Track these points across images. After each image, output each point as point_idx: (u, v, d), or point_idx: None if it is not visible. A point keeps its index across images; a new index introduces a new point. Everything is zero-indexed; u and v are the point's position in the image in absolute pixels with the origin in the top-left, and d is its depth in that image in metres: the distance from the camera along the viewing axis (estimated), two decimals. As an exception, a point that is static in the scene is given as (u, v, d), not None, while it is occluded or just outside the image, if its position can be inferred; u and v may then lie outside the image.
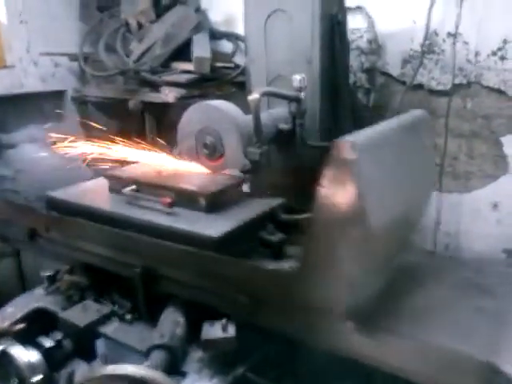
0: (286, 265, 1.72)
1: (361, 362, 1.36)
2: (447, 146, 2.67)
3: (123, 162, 2.21)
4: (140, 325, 1.86)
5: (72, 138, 2.26)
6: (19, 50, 3.61)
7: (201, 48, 3.18)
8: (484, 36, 2.51)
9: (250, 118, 2.01)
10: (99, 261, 1.95)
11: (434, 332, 1.36)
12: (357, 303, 1.37)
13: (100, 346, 1.84)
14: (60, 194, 2.16)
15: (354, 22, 2.78)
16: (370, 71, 2.88)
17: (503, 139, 2.58)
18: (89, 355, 1.85)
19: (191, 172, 2.11)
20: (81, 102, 3.56)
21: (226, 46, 3.40)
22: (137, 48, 3.30)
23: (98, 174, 2.28)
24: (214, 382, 1.56)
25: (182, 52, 3.25)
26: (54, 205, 2.13)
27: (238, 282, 1.57)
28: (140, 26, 3.42)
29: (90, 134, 2.50)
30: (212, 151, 2.08)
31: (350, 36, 2.57)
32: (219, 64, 3.24)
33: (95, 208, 2.01)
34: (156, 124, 3.19)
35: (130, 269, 1.81)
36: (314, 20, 2.31)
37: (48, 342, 1.82)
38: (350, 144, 1.25)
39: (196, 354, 1.66)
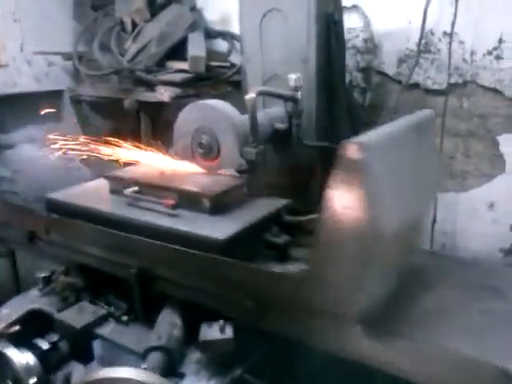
0: (291, 267, 1.70)
1: (360, 364, 1.36)
2: (443, 145, 2.67)
3: (120, 162, 2.20)
4: (136, 326, 1.85)
5: (71, 138, 2.24)
6: (13, 49, 3.58)
7: (196, 47, 3.17)
8: (480, 35, 2.51)
9: (246, 117, 2.01)
10: (102, 263, 1.92)
11: (446, 336, 1.34)
12: (367, 307, 1.35)
13: (97, 347, 1.83)
14: (60, 195, 2.13)
15: (350, 21, 2.78)
16: (366, 70, 2.89)
17: (499, 138, 2.58)
18: (85, 357, 1.83)
19: (193, 173, 2.09)
20: (75, 102, 3.54)
21: (222, 45, 3.39)
22: (131, 47, 3.28)
23: (97, 174, 2.26)
24: (212, 384, 1.55)
25: (177, 51, 3.23)
26: (54, 206, 2.10)
27: (243, 286, 1.55)
28: (135, 24, 3.40)
29: (86, 133, 2.48)
30: (208, 151, 2.07)
31: (346, 35, 2.57)
32: (215, 63, 3.23)
33: (97, 210, 1.98)
34: (151, 123, 3.18)
35: (127, 270, 1.80)
36: (309, 19, 2.30)
37: (44, 344, 1.80)
38: (359, 145, 1.23)
39: (194, 356, 1.65)
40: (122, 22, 3.44)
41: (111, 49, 3.34)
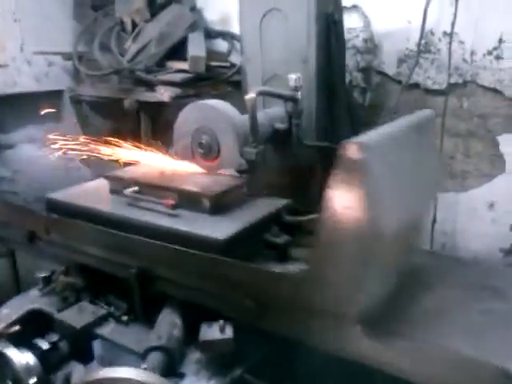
0: (291, 267, 1.70)
1: (360, 364, 1.35)
2: (443, 145, 2.67)
3: (120, 162, 2.20)
4: (136, 326, 1.85)
5: (71, 138, 2.24)
6: (12, 49, 3.58)
7: (196, 47, 3.17)
8: (480, 35, 2.51)
9: (246, 117, 2.01)
10: (102, 263, 1.92)
11: (446, 336, 1.33)
12: (368, 307, 1.35)
13: (97, 347, 1.83)
14: (60, 195, 2.12)
15: (350, 22, 2.78)
16: (366, 70, 2.88)
17: (499, 138, 2.58)
18: (85, 357, 1.83)
19: (193, 173, 2.09)
20: (75, 102, 3.54)
21: (222, 45, 3.39)
22: (131, 47, 3.28)
23: (97, 174, 2.26)
24: (212, 384, 1.55)
25: (177, 51, 3.23)
26: (55, 207, 2.10)
27: (244, 286, 1.54)
28: (135, 24, 3.40)
29: (86, 133, 2.48)
30: (208, 151, 2.07)
31: (346, 35, 2.57)
32: (214, 63, 3.23)
33: (97, 210, 1.97)
34: (151, 123, 3.18)
35: (127, 270, 1.79)
36: (309, 19, 2.30)
37: (44, 344, 1.80)
38: (359, 145, 1.23)
39: (194, 356, 1.64)
40: (121, 22, 3.44)
41: (111, 49, 3.34)
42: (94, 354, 1.84)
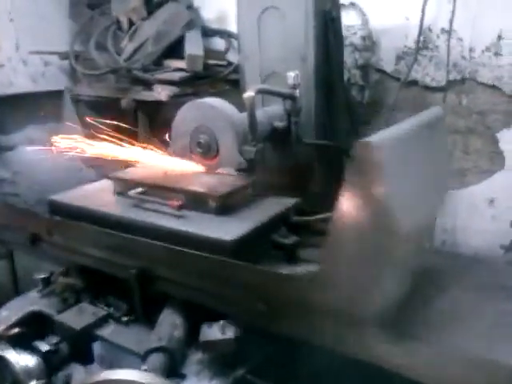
0: (300, 268, 1.68)
1: (363, 364, 1.34)
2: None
3: (120, 162, 2.18)
4: (136, 327, 1.84)
5: (72, 139, 2.22)
6: (8, 48, 3.57)
7: (193, 45, 3.15)
8: (478, 32, 2.51)
9: (244, 115, 2.00)
10: (105, 265, 1.90)
11: (461, 338, 1.31)
12: (383, 309, 1.33)
13: (97, 348, 1.82)
14: (63, 197, 2.09)
15: (348, 19, 2.77)
16: (364, 68, 2.88)
17: (498, 135, 2.57)
18: (85, 359, 1.82)
19: (199, 173, 2.07)
20: (73, 101, 3.52)
21: (219, 44, 3.38)
22: (128, 46, 3.27)
23: (100, 175, 2.24)
24: (213, 384, 1.54)
25: (175, 50, 3.22)
26: (57, 208, 2.07)
27: (254, 289, 1.51)
28: (131, 23, 3.39)
29: (86, 133, 2.46)
30: (207, 150, 2.07)
31: (344, 33, 2.56)
32: (212, 61, 3.22)
33: (102, 212, 1.94)
34: (149, 122, 3.17)
35: (127, 271, 1.78)
36: (307, 17, 2.29)
37: (44, 346, 1.79)
38: (375, 144, 1.20)
39: (195, 356, 1.64)
40: (118, 21, 3.43)
41: (108, 48, 3.32)
42: (95, 356, 1.83)
